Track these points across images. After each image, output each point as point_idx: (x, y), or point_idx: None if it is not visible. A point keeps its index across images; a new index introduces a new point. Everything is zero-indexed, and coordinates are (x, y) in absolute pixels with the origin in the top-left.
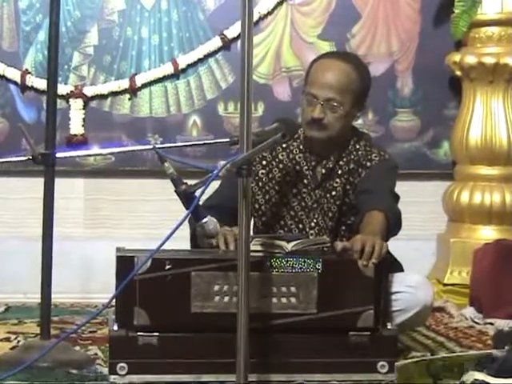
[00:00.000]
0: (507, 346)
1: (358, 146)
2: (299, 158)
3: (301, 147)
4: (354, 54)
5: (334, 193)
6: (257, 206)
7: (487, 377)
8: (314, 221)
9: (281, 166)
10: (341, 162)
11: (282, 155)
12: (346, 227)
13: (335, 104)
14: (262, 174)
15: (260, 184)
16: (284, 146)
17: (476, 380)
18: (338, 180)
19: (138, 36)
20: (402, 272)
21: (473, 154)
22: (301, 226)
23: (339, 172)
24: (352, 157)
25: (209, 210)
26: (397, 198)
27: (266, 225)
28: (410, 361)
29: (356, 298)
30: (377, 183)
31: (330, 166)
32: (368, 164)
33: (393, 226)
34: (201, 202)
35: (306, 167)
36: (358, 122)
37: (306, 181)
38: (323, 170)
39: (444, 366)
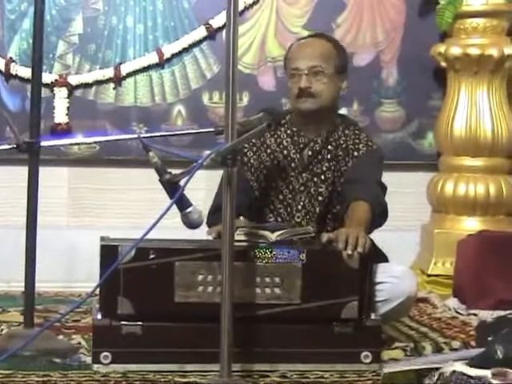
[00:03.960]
0: (490, 337)
1: (347, 132)
2: (287, 142)
3: (288, 132)
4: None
5: (322, 177)
6: (252, 194)
7: (466, 368)
8: (301, 204)
9: (269, 151)
10: (329, 147)
11: (270, 141)
12: (332, 215)
13: (319, 69)
14: (253, 159)
15: (252, 170)
16: (272, 132)
17: (454, 371)
18: (326, 164)
19: (122, 25)
20: (386, 262)
21: (457, 145)
22: (289, 209)
23: (328, 156)
24: (341, 142)
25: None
26: (384, 188)
27: (259, 209)
28: (396, 370)
29: (340, 288)
30: (363, 173)
31: (317, 148)
32: (355, 153)
33: (378, 216)
34: (204, 212)
35: (293, 151)
36: (342, 112)
37: (293, 164)
38: (309, 152)
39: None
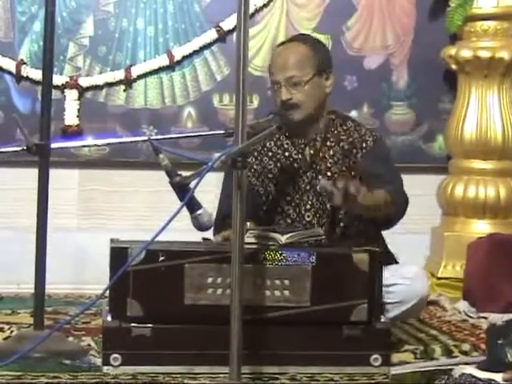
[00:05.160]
0: (500, 340)
1: (346, 127)
2: (287, 144)
3: (287, 134)
4: (306, 34)
5: (329, 173)
6: (259, 200)
7: (476, 370)
8: (309, 203)
9: (270, 154)
10: (329, 143)
11: (271, 144)
12: (345, 213)
13: (295, 80)
14: (256, 165)
15: (256, 175)
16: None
17: (464, 373)
18: (330, 160)
19: (133, 27)
20: (396, 264)
21: (467, 147)
22: (297, 209)
23: (331, 152)
24: (342, 137)
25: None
26: (403, 183)
27: (267, 213)
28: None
29: (350, 291)
30: (385, 171)
31: (318, 146)
32: (364, 145)
33: (399, 205)
34: (214, 214)
35: (294, 151)
36: (352, 114)
37: (296, 165)
38: (311, 151)
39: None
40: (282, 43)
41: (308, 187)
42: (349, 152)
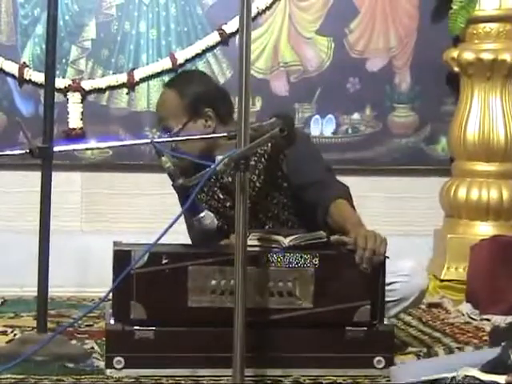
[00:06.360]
0: (503, 343)
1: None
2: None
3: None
4: (180, 73)
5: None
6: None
7: (479, 373)
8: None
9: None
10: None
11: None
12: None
13: (170, 130)
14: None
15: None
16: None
17: (467, 376)
18: (251, 184)
19: (135, 30)
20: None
21: (470, 150)
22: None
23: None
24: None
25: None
26: (332, 170)
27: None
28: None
29: (353, 293)
30: (311, 171)
31: (230, 179)
32: (281, 156)
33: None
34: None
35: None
36: (355, 117)
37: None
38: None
39: None
40: (163, 86)
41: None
42: (271, 165)
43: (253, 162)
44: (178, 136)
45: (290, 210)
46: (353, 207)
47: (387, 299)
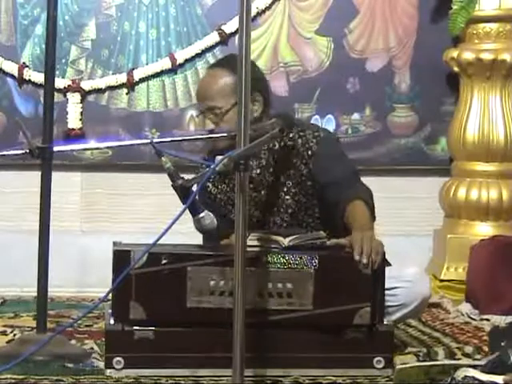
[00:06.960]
0: (503, 342)
1: (291, 136)
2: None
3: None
4: (229, 55)
5: (285, 189)
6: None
7: (478, 373)
8: (255, 216)
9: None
10: (272, 158)
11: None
12: (308, 223)
13: (216, 111)
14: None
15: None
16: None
17: (466, 376)
18: (272, 178)
19: (135, 30)
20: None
21: (470, 150)
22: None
23: (271, 170)
24: (288, 150)
25: None
26: (357, 173)
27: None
28: (409, 365)
29: (353, 294)
30: (336, 170)
31: (264, 163)
32: (309, 153)
33: (373, 209)
34: None
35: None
36: (354, 117)
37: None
38: (258, 170)
39: (443, 370)
40: (210, 67)
41: (252, 203)
42: (294, 165)
43: (263, 161)
44: (224, 115)
45: (308, 212)
46: (371, 210)
47: (388, 304)
